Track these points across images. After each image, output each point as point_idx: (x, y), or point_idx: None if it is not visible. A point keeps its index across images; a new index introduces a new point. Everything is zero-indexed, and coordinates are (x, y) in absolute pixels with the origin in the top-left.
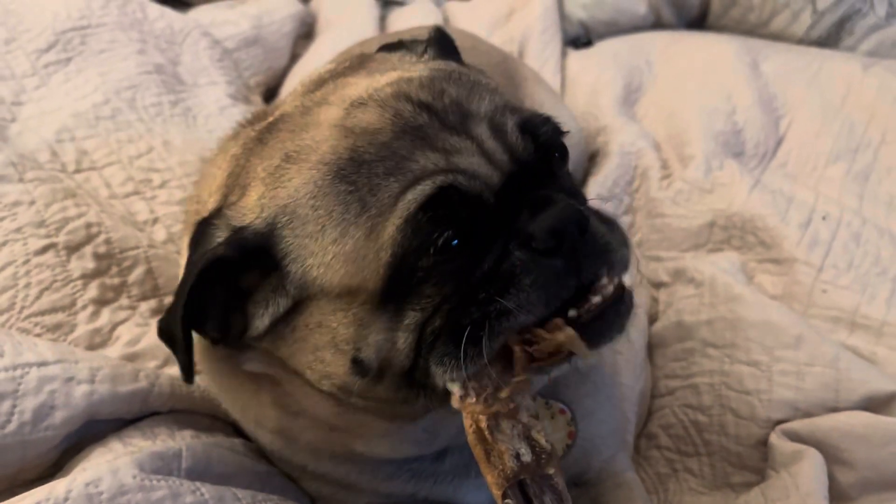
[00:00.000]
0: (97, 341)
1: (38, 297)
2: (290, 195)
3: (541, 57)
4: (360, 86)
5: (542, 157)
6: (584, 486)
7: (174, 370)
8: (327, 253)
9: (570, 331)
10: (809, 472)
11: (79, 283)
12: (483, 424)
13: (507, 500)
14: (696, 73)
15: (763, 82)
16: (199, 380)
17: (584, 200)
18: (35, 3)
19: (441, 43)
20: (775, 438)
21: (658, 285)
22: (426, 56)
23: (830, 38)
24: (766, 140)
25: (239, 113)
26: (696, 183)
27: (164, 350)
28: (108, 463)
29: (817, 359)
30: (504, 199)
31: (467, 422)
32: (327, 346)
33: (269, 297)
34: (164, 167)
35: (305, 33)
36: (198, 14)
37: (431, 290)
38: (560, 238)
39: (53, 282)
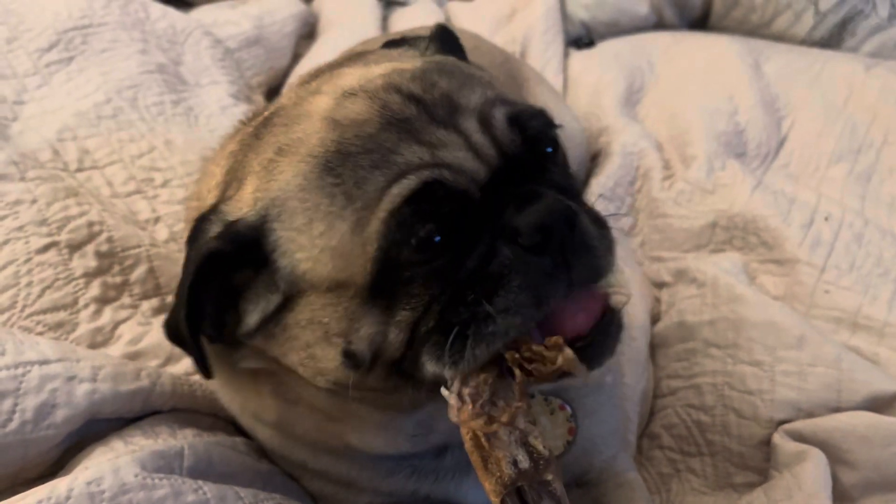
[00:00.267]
0: (99, 340)
1: (39, 296)
2: (280, 188)
3: (543, 57)
4: (353, 76)
5: (532, 151)
6: (586, 487)
7: (176, 368)
8: (315, 246)
9: (569, 352)
10: (813, 472)
11: (81, 281)
12: (479, 432)
13: None
14: (698, 74)
15: (765, 83)
16: (199, 378)
17: (575, 195)
18: (36, 3)
19: (443, 39)
20: (778, 439)
21: (660, 285)
22: (428, 52)
23: (833, 39)
24: (768, 140)
25: (241, 112)
26: (698, 183)
27: (166, 349)
28: (110, 462)
29: (820, 359)
30: (491, 194)
31: (463, 429)
32: (319, 342)
33: (261, 293)
34: (165, 166)
35: (307, 33)
36: (200, 14)
37: (419, 289)
38: (547, 234)
39: (55, 280)
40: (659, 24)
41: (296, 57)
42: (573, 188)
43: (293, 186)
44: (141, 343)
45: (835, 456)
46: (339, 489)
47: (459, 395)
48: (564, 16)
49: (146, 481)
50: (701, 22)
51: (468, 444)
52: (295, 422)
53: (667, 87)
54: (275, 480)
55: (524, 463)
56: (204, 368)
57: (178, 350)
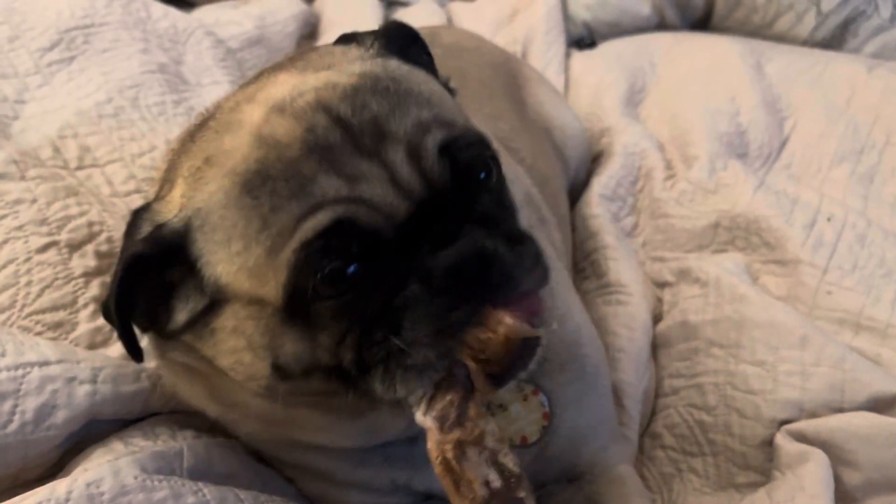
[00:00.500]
0: (98, 340)
1: (39, 295)
2: (203, 200)
3: (544, 58)
4: (286, 85)
5: (463, 180)
6: (579, 483)
7: None
8: (234, 263)
9: (508, 320)
10: (815, 473)
11: (80, 281)
12: (450, 455)
13: None
14: (700, 75)
15: (767, 83)
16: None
17: (506, 220)
18: (39, 2)
19: (391, 38)
20: (781, 440)
21: (662, 285)
22: (371, 51)
23: (835, 40)
24: (770, 141)
25: None
26: (700, 184)
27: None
28: (110, 463)
29: (823, 359)
30: (409, 231)
31: (433, 454)
32: (245, 351)
33: (190, 294)
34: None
35: (309, 34)
36: (201, 14)
37: (330, 322)
38: (459, 277)
39: (55, 280)
40: (661, 25)
41: None
42: (503, 215)
43: (215, 201)
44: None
45: (837, 456)
46: (322, 483)
47: (426, 417)
48: (566, 16)
49: (146, 483)
50: (703, 23)
51: (439, 470)
52: (236, 423)
53: (668, 88)
54: (274, 482)
55: (496, 482)
56: (133, 353)
57: None
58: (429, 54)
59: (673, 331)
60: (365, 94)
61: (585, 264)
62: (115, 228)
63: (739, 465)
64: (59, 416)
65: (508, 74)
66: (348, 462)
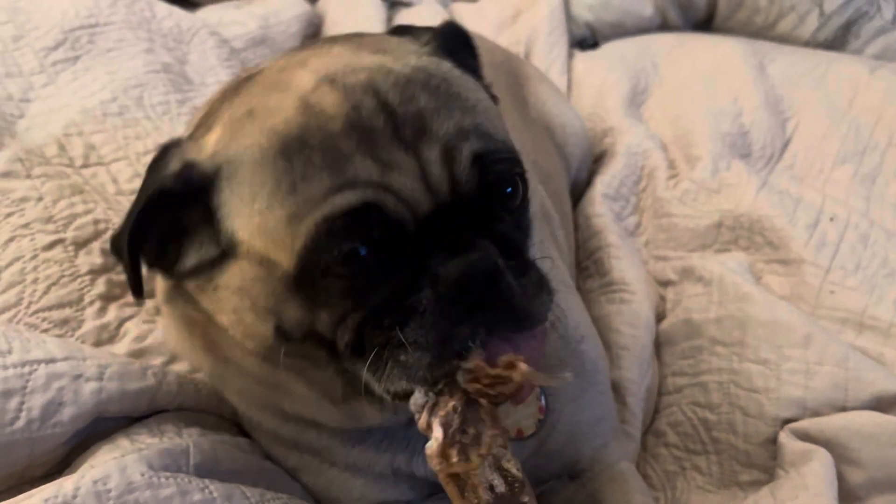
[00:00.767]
0: (104, 337)
1: (45, 293)
2: (238, 151)
3: (547, 58)
4: (341, 59)
5: (489, 193)
6: (580, 480)
7: (181, 366)
8: (253, 220)
9: (523, 366)
10: (819, 472)
11: (86, 278)
12: (454, 460)
13: None
14: (703, 75)
15: (770, 84)
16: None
17: (520, 246)
18: (43, 1)
19: (448, 38)
20: (784, 438)
21: (665, 284)
22: (427, 48)
23: (837, 41)
24: (772, 142)
25: None
26: (703, 183)
27: (171, 346)
28: (117, 460)
29: (826, 358)
30: (430, 228)
31: (437, 459)
32: (248, 311)
33: (203, 240)
34: None
35: (312, 34)
36: (205, 14)
37: (336, 299)
38: (465, 288)
39: (61, 277)
40: (663, 26)
41: None
42: (520, 239)
43: (249, 155)
44: (146, 341)
45: (841, 455)
46: (322, 467)
47: (429, 425)
48: (569, 17)
49: (153, 480)
50: (705, 23)
51: (442, 476)
52: (228, 379)
53: (671, 89)
54: (280, 480)
55: (500, 487)
56: (136, 289)
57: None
58: (477, 59)
59: (676, 329)
60: (415, 87)
61: (589, 263)
62: None
63: (743, 464)
64: (66, 413)
65: (509, 73)
66: (344, 441)
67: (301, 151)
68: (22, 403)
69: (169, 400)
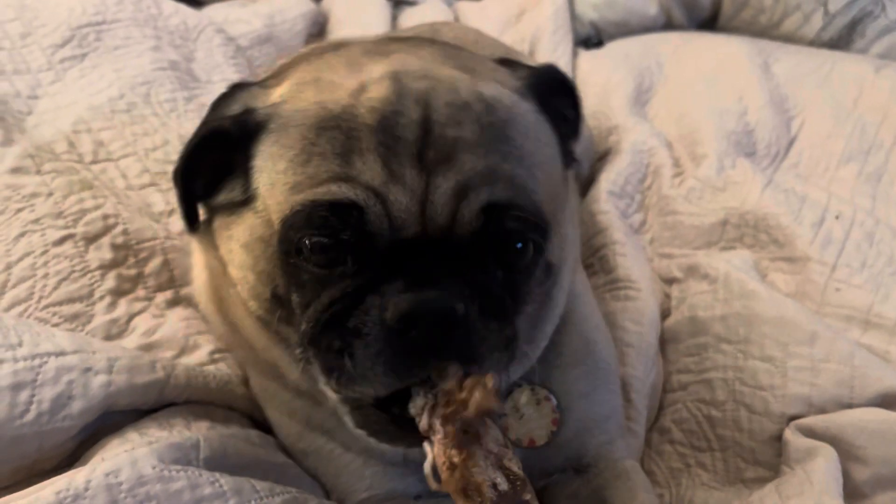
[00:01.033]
0: (114, 332)
1: (56, 288)
2: (290, 112)
3: (552, 57)
4: (421, 61)
5: (491, 244)
6: (586, 476)
7: (190, 360)
8: (271, 178)
9: (482, 390)
10: (824, 468)
11: (96, 273)
12: (457, 459)
13: None
14: (707, 74)
15: (775, 83)
16: (213, 369)
17: (500, 299)
18: None
19: (544, 80)
20: (790, 435)
21: (670, 281)
22: (515, 83)
23: (842, 40)
24: (777, 140)
25: None
26: (708, 181)
27: (180, 341)
28: (128, 453)
29: (832, 355)
30: (404, 253)
31: (441, 459)
32: (251, 270)
33: (236, 183)
34: None
35: (317, 32)
36: (211, 11)
37: (303, 282)
38: (410, 325)
39: (71, 272)
40: (668, 25)
41: None
42: (506, 296)
43: (296, 118)
44: (155, 335)
45: (846, 452)
46: (333, 452)
47: (431, 427)
48: (573, 16)
49: (163, 473)
50: (710, 23)
51: (446, 475)
52: (235, 346)
53: (676, 88)
54: (289, 473)
55: (503, 485)
56: (188, 219)
57: (191, 341)
58: (577, 111)
59: (681, 326)
60: (467, 114)
61: (594, 260)
62: (130, 221)
63: (748, 460)
64: (75, 406)
65: None
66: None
67: (330, 130)
68: (32, 396)
69: (177, 393)
